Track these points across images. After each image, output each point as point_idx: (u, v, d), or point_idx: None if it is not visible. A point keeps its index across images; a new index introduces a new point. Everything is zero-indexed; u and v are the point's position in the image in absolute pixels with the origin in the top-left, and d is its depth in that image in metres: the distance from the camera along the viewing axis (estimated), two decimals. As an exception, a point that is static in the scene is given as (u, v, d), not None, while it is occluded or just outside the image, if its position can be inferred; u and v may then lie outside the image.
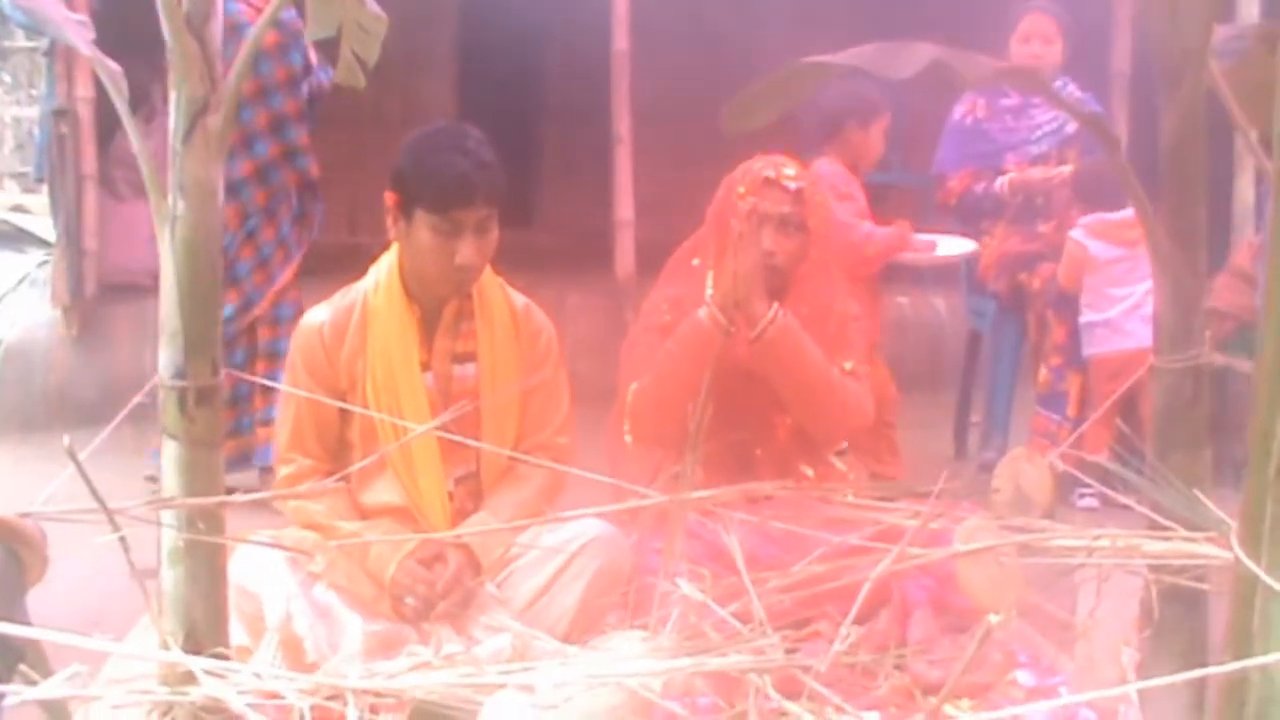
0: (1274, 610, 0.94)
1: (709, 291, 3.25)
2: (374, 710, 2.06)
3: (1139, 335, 4.29)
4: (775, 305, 3.16)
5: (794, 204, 3.26)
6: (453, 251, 2.89)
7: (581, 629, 2.92)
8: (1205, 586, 1.88)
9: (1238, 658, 0.97)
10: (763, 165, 3.34)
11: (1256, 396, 0.99)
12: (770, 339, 3.14)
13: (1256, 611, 0.96)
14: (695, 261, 3.42)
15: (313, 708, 1.42)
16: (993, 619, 1.05)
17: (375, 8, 2.32)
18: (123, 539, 1.42)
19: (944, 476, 2.15)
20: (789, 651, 2.03)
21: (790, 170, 3.31)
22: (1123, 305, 4.50)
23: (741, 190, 3.30)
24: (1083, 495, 4.36)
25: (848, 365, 3.34)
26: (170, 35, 1.94)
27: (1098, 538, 1.75)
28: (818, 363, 3.22)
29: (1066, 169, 4.96)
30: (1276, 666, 0.93)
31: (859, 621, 2.96)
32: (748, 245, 3.12)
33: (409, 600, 2.81)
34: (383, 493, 2.98)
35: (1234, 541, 1.00)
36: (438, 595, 2.81)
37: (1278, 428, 0.94)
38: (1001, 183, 5.01)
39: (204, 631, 1.91)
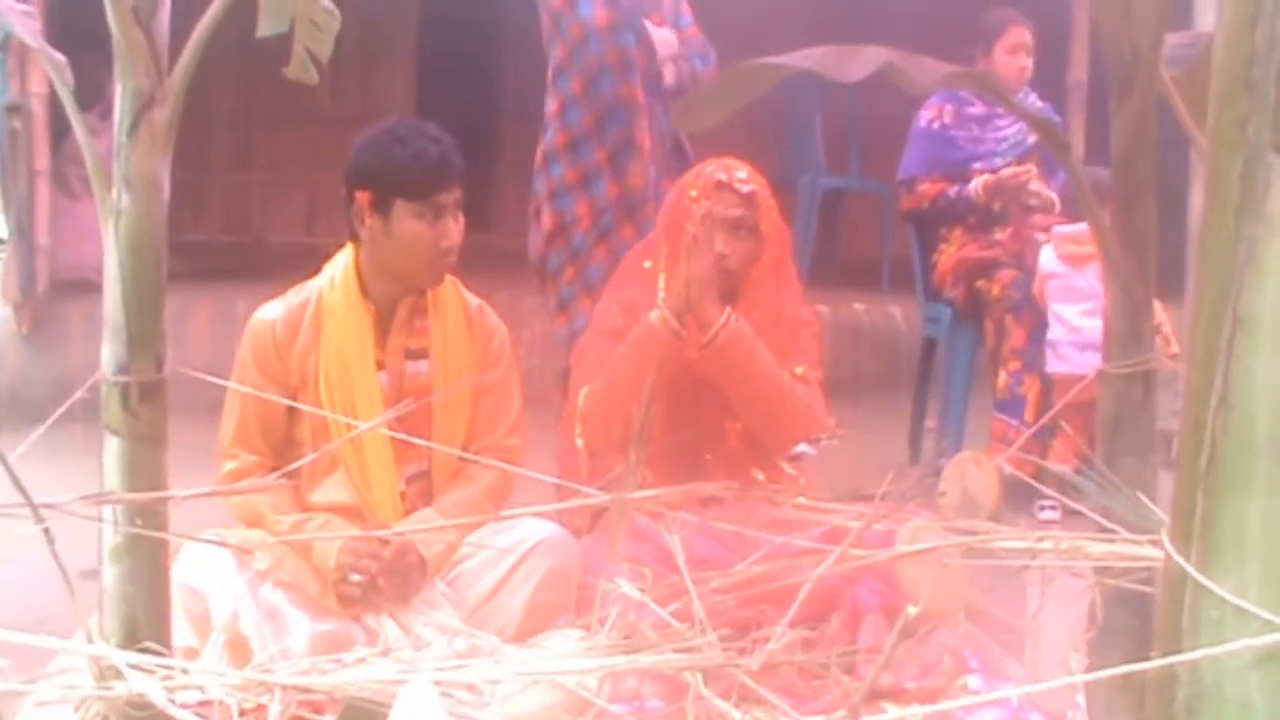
0: (1203, 606, 0.95)
1: (661, 295, 3.25)
2: (318, 709, 2.05)
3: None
4: (728, 310, 3.16)
5: (746, 207, 3.26)
6: (438, 236, 2.95)
7: (530, 630, 2.90)
8: (1150, 589, 1.89)
9: (1168, 654, 0.97)
10: (714, 168, 3.32)
11: (1187, 389, 0.99)
12: (722, 343, 3.13)
13: (1185, 607, 0.96)
14: (647, 264, 3.42)
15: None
16: (911, 610, 1.05)
17: (328, 3, 2.31)
18: (48, 532, 1.40)
19: (888, 479, 2.15)
20: (737, 652, 2.03)
21: (742, 173, 3.30)
22: (1086, 320, 4.46)
23: (694, 194, 3.28)
24: (1043, 507, 4.37)
25: (799, 370, 3.33)
26: (117, 28, 1.92)
27: (1041, 540, 1.75)
28: (770, 368, 3.21)
29: (1032, 168, 4.96)
30: (1205, 663, 0.93)
31: (810, 626, 2.96)
32: (700, 249, 3.12)
33: (353, 578, 2.80)
34: (333, 491, 2.97)
35: (1164, 537, 1.00)
36: (379, 570, 2.82)
37: (1208, 420, 0.95)
38: (975, 185, 5.00)
39: (145, 629, 1.89)
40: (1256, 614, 0.91)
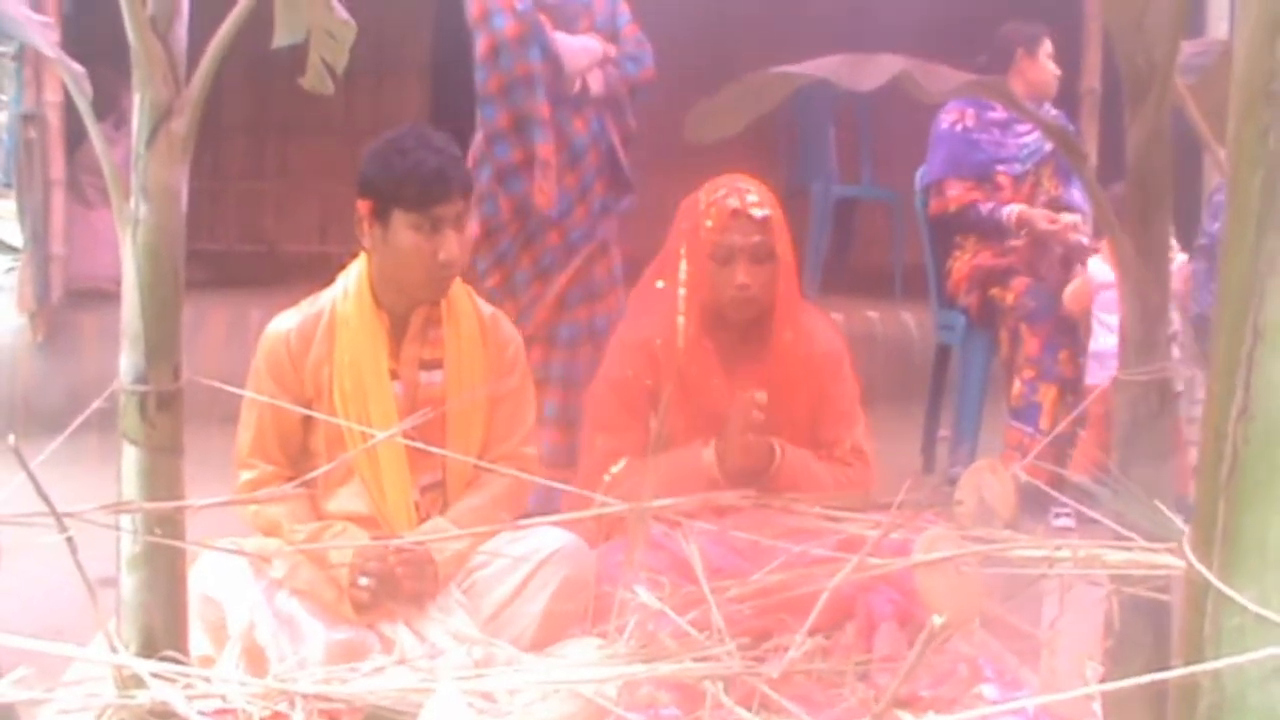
0: (1225, 615, 0.95)
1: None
2: (335, 718, 2.06)
3: None
4: (776, 450, 3.17)
5: (763, 232, 3.25)
6: (435, 249, 2.93)
7: (545, 639, 2.91)
8: (1167, 598, 1.89)
9: (1190, 663, 0.97)
10: (726, 193, 3.30)
11: (1209, 398, 0.99)
12: (774, 476, 3.17)
13: (1207, 617, 0.96)
14: (660, 284, 3.40)
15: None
16: (936, 620, 1.05)
17: (344, 14, 2.32)
18: (70, 540, 1.40)
19: (905, 488, 2.14)
20: (755, 661, 2.03)
21: (754, 196, 3.29)
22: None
23: (709, 224, 3.27)
24: (1058, 515, 4.35)
25: (848, 443, 3.35)
26: (134, 38, 1.93)
27: (1058, 548, 1.75)
28: (820, 478, 3.24)
29: (1075, 218, 4.96)
30: (1227, 672, 0.93)
31: (825, 635, 2.96)
32: (741, 420, 3.12)
33: (364, 582, 2.81)
34: (348, 501, 2.98)
35: (1185, 546, 1.00)
36: (394, 574, 2.82)
37: (1229, 429, 0.95)
38: (1010, 213, 4.99)
39: (162, 638, 1.90)
40: (1279, 623, 0.91)
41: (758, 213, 3.25)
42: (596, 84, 4.10)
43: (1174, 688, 1.02)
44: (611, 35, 4.20)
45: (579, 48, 4.07)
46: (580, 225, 4.09)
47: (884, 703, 1.39)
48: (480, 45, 4.03)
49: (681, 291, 3.30)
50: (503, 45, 3.95)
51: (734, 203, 3.26)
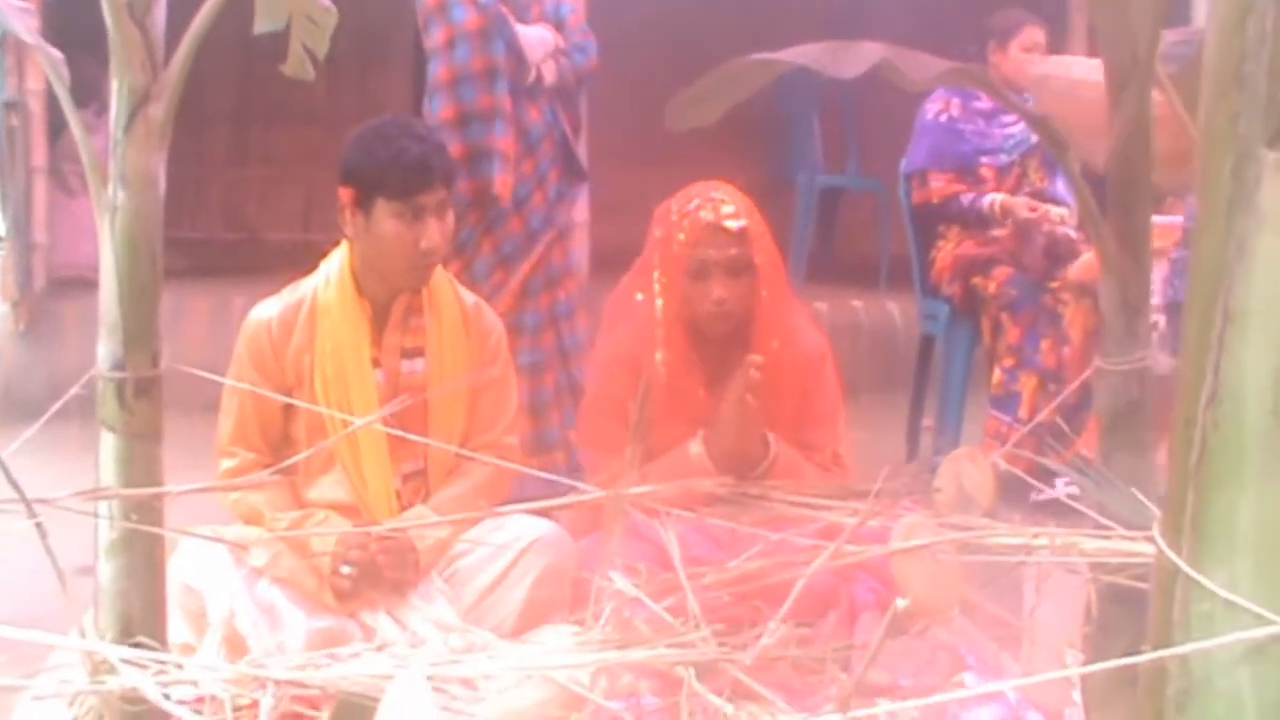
0: (1194, 600, 0.95)
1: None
2: (313, 705, 2.05)
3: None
4: (772, 444, 3.13)
5: (740, 245, 3.13)
6: (417, 237, 2.93)
7: (527, 627, 2.90)
8: (1146, 586, 1.89)
9: (1159, 648, 0.97)
10: (699, 203, 3.17)
11: (1179, 385, 0.99)
12: (767, 472, 3.12)
13: (1177, 602, 0.97)
14: (639, 296, 3.34)
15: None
16: (900, 603, 1.05)
17: (325, 0, 2.31)
18: (40, 527, 1.40)
19: (883, 475, 2.15)
20: (731, 648, 2.03)
21: (729, 207, 3.16)
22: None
23: (682, 237, 3.15)
24: (1069, 483, 4.33)
25: (829, 451, 3.31)
26: (112, 23, 1.92)
27: (1036, 536, 1.75)
28: (812, 474, 3.20)
29: (1063, 211, 4.96)
30: (1195, 657, 0.93)
31: (808, 624, 2.96)
32: (743, 409, 3.06)
33: (346, 570, 2.80)
34: (329, 489, 2.98)
35: (1155, 532, 1.00)
36: (376, 563, 2.82)
37: (1199, 416, 0.95)
38: (993, 201, 4.99)
39: (141, 625, 1.89)
40: (1247, 608, 0.91)
41: (733, 224, 3.12)
42: (550, 74, 4.16)
43: (1143, 673, 1.02)
44: (557, 25, 4.26)
45: (536, 39, 4.13)
46: (539, 212, 4.14)
47: (847, 689, 1.39)
48: (437, 36, 4.06)
49: (659, 303, 3.22)
50: (461, 37, 3.97)
51: (707, 215, 3.14)
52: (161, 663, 1.40)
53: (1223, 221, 0.94)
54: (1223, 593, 0.92)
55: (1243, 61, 0.94)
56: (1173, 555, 0.97)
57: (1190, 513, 0.95)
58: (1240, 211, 0.92)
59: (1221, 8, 0.96)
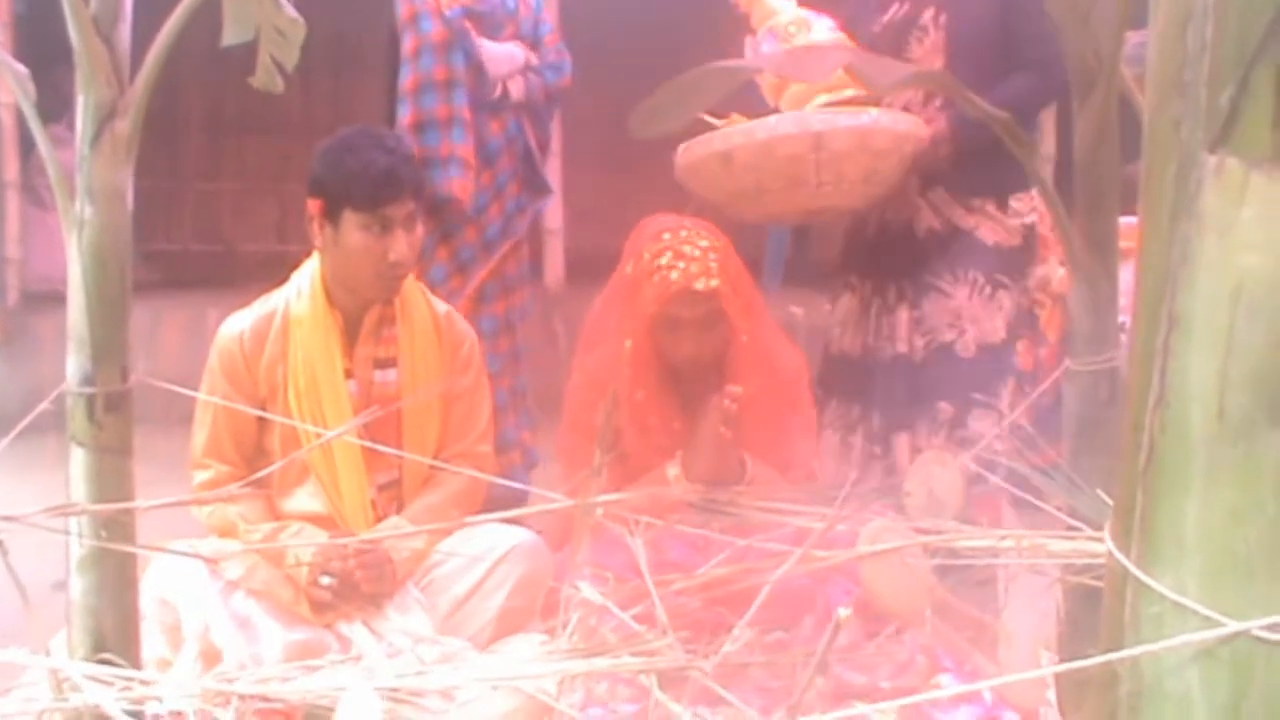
0: (1144, 603, 0.96)
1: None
2: (287, 717, 2.05)
3: None
4: (747, 466, 3.13)
5: (709, 303, 3.10)
6: (385, 249, 2.92)
7: (504, 635, 2.91)
8: (1112, 587, 1.90)
9: (1110, 650, 0.98)
10: (670, 260, 3.09)
11: (1128, 389, 1.00)
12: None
13: (1127, 604, 0.97)
14: (612, 324, 3.32)
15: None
16: (843, 612, 1.05)
17: (292, 11, 2.30)
18: (1, 544, 1.40)
19: (852, 479, 2.16)
20: (699, 654, 2.03)
21: (697, 265, 3.07)
22: None
23: (651, 295, 3.10)
24: None
25: (801, 474, 3.31)
26: (77, 38, 1.93)
27: (1003, 538, 1.76)
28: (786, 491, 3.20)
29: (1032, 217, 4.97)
30: (1145, 659, 0.94)
31: (784, 629, 2.97)
32: (717, 440, 3.03)
33: (325, 581, 2.80)
34: (305, 501, 2.97)
35: (1106, 534, 1.01)
36: (353, 574, 2.81)
37: (1146, 420, 0.96)
38: None
39: (112, 641, 1.89)
40: (1195, 610, 0.92)
41: (701, 285, 3.05)
42: (517, 90, 4.26)
43: (1096, 675, 1.03)
44: (534, 44, 4.36)
45: (503, 55, 4.23)
46: (495, 223, 4.23)
47: (801, 690, 1.40)
48: (407, 45, 4.19)
49: (628, 344, 3.21)
50: (425, 48, 4.10)
51: (677, 278, 3.06)
52: (127, 679, 1.40)
53: (1167, 226, 0.95)
54: (1171, 595, 0.93)
55: (1183, 68, 0.95)
56: (1122, 558, 0.98)
57: (1139, 515, 0.96)
58: (1183, 216, 0.93)
59: (1163, 16, 0.98)
